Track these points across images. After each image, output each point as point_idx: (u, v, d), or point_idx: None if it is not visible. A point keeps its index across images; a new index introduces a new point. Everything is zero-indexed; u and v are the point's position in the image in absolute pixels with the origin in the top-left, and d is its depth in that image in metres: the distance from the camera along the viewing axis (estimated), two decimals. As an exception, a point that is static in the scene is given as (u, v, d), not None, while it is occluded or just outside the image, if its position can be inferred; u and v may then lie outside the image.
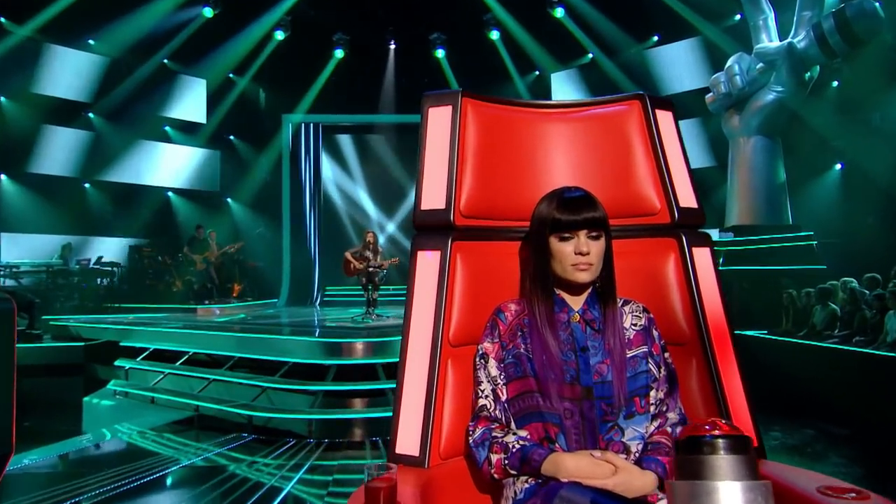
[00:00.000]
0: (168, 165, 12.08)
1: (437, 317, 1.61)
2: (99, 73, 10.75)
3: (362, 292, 8.28)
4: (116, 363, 6.88)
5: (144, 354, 6.87)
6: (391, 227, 13.13)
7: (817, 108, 8.54)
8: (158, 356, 6.76)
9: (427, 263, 1.67)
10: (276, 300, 12.18)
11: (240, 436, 5.09)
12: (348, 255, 8.02)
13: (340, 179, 13.56)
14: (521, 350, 1.52)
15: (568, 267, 1.50)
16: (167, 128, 12.14)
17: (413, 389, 1.59)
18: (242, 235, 12.37)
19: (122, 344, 7.11)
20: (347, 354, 5.69)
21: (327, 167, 13.61)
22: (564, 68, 12.26)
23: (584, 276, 1.49)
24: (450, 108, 1.72)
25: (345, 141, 13.75)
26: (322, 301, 12.82)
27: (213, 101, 12.28)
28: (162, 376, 6.39)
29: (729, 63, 9.25)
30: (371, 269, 7.88)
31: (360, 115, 13.08)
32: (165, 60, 11.59)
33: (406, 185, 13.30)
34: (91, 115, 11.00)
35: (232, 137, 12.94)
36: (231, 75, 12.40)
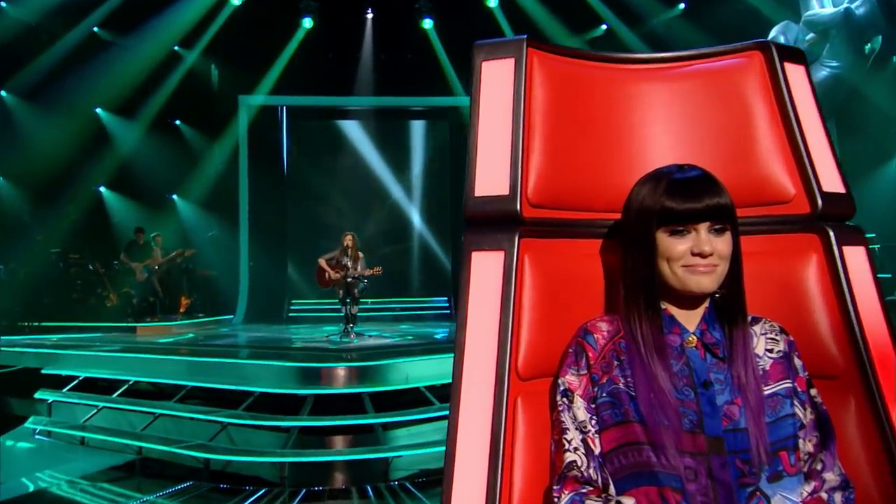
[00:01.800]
0: (100, 155, 11.88)
1: (501, 340, 1.43)
2: (12, 43, 10.47)
3: (339, 306, 8.30)
4: (37, 395, 6.78)
5: (72, 384, 6.76)
6: (370, 230, 12.97)
7: (879, 85, 8.47)
8: (90, 386, 6.67)
9: (486, 268, 1.48)
10: (231, 316, 12.21)
11: (194, 484, 5.01)
12: (322, 262, 8.06)
13: (309, 173, 13.54)
14: (620, 385, 1.35)
15: (680, 271, 1.33)
16: (99, 110, 12.05)
17: (472, 441, 1.40)
18: (192, 239, 12.31)
19: (43, 371, 7.01)
20: (327, 382, 5.66)
21: (293, 159, 13.63)
22: (576, 40, 12.16)
23: (705, 283, 1.32)
24: (511, 62, 1.54)
25: (314, 128, 13.80)
26: (287, 317, 12.78)
27: (155, 78, 12.07)
28: (95, 411, 6.30)
29: (773, 34, 9.16)
30: (350, 280, 7.90)
31: (333, 97, 13.12)
32: (96, 28, 11.37)
33: (387, 180, 13.43)
34: (2, 92, 10.90)
35: (178, 123, 12.89)
36: (177, 48, 12.22)
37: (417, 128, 13.79)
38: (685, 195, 1.32)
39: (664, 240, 1.34)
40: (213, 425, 5.52)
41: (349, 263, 7.86)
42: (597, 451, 1.33)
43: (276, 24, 12.18)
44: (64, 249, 11.24)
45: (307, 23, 12.32)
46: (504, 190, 1.49)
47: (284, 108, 13.44)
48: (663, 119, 1.60)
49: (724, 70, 1.59)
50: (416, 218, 13.63)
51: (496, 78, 1.55)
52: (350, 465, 5.06)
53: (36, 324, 9.68)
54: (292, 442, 5.16)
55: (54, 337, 8.74)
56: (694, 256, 1.31)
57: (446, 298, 13.25)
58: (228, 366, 6.11)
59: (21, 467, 5.53)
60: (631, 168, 1.53)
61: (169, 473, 5.25)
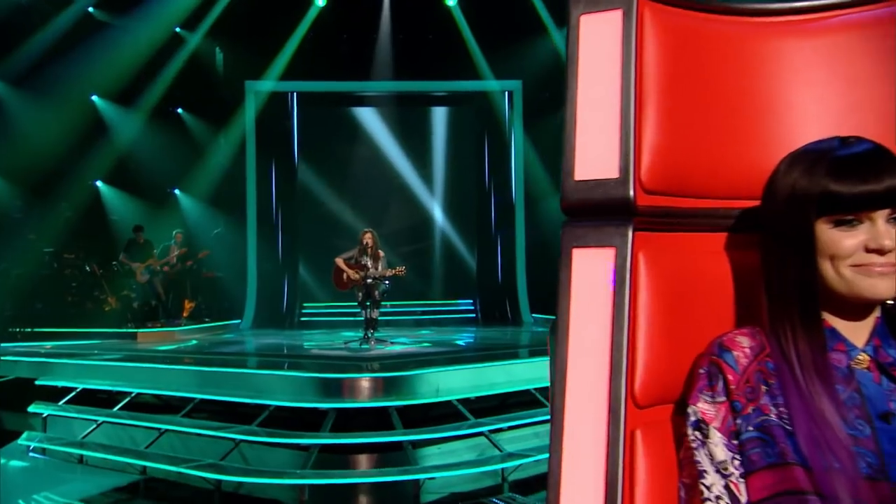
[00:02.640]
0: (97, 147, 11.91)
1: (615, 360, 1.25)
2: (0, 25, 10.49)
3: (357, 310, 8.35)
4: (31, 409, 6.78)
5: (69, 397, 6.74)
6: (389, 227, 12.93)
7: None
8: (89, 399, 6.67)
9: (592, 270, 1.30)
10: (238, 321, 12.28)
11: (204, 508, 5.02)
12: (340, 261, 8.04)
13: (322, 165, 13.54)
14: (771, 417, 1.16)
15: (849, 272, 1.14)
16: (95, 98, 12.07)
17: (582, 488, 1.22)
18: (196, 238, 12.41)
19: (38, 383, 7.06)
20: (349, 395, 5.63)
21: (305, 150, 13.60)
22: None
23: (882, 287, 1.13)
24: (618, 14, 1.35)
25: (328, 116, 13.75)
26: (299, 322, 12.87)
27: (155, 63, 12.11)
28: (94, 426, 6.28)
29: None
30: (370, 281, 7.86)
31: (347, 81, 13.08)
32: (91, 9, 11.40)
33: (407, 173, 13.41)
34: (-11, 78, 10.83)
35: (181, 111, 12.94)
36: (179, 30, 12.22)
37: (440, 115, 13.75)
38: (856, 175, 1.13)
39: (826, 233, 1.16)
40: (225, 442, 5.48)
41: (369, 263, 7.82)
42: (743, 500, 1.15)
43: (286, 3, 12.17)
44: (58, 249, 11.27)
45: (320, 1, 12.31)
46: (613, 172, 1.30)
47: (295, 94, 13.41)
48: (808, 83, 1.41)
49: (882, 20, 1.39)
50: (438, 213, 13.64)
51: (599, 34, 1.36)
52: (376, 487, 5.06)
53: (29, 330, 9.69)
54: (312, 462, 5.10)
55: (49, 344, 8.72)
56: (869, 253, 1.13)
57: (471, 301, 13.37)
58: (240, 376, 6.08)
59: (14, 489, 5.54)
60: (770, 144, 1.35)
61: (176, 495, 5.29)
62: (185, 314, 11.45)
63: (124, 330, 9.89)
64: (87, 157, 11.76)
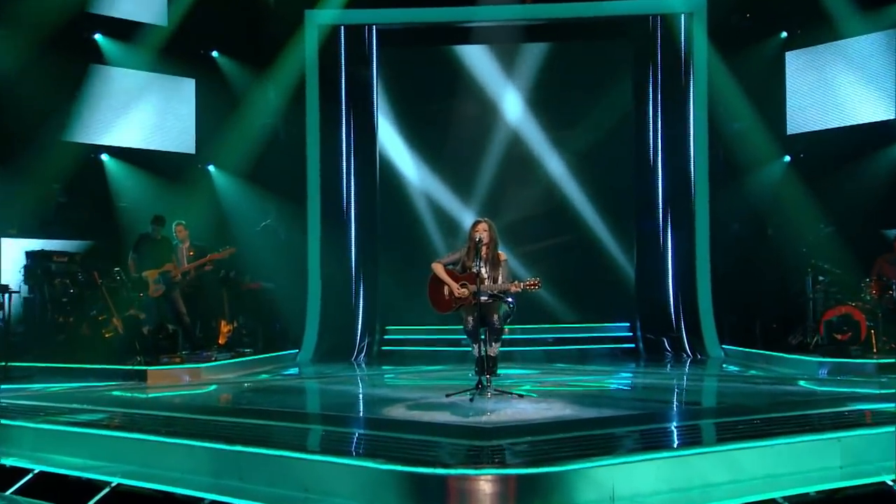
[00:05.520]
0: (100, 104, 11.86)
1: None
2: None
3: (464, 338, 8.06)
4: None
5: (21, 483, 6.04)
6: (508, 217, 12.51)
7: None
8: (51, 488, 5.95)
9: None
10: (295, 351, 12.30)
11: None
12: (440, 268, 7.74)
13: (412, 127, 13.34)
14: None
15: None
16: (98, 35, 11.94)
17: None
18: (234, 233, 12.40)
19: None
20: None
21: (389, 107, 13.43)
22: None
23: None
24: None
25: (419, 58, 13.56)
26: (379, 351, 12.83)
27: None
28: None
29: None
30: (485, 299, 7.49)
31: (446, 7, 12.77)
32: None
33: (534, 139, 13.02)
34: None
35: (215, 54, 12.94)
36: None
37: (581, 53, 13.24)
38: None
39: None
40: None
41: (484, 271, 7.44)
42: None
43: None
44: (44, 248, 11.26)
45: None
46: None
47: (374, 28, 13.17)
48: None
49: None
50: (578, 198, 13.05)
51: None
52: None
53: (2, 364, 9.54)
54: None
55: (24, 388, 8.67)
56: None
57: (628, 325, 12.89)
58: (281, 463, 5.32)
59: None
60: None
61: None
62: (221, 341, 11.38)
63: (128, 367, 9.51)
64: (86, 119, 11.70)
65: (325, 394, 9.21)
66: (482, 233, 7.48)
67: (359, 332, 12.68)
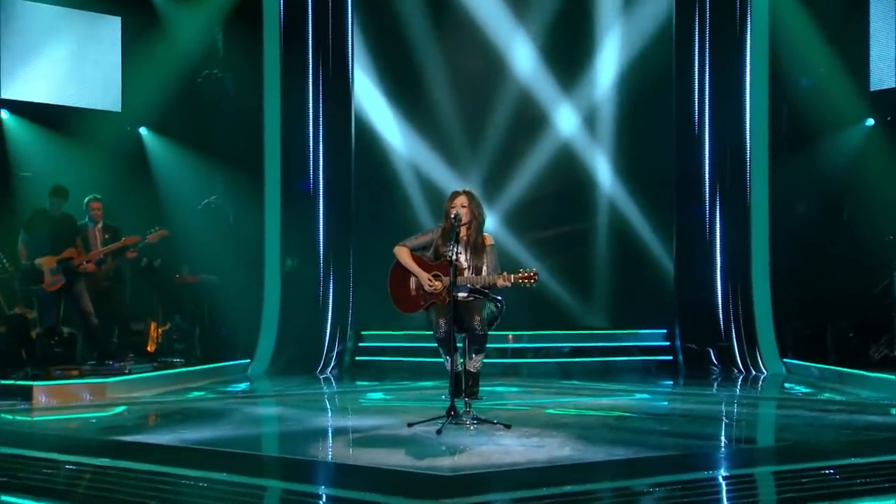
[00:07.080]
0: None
1: None
2: None
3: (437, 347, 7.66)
4: None
5: None
6: (512, 195, 12.80)
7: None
8: None
9: None
10: (245, 361, 12.19)
11: None
12: (404, 252, 7.38)
13: (399, 83, 13.33)
14: None
15: None
16: None
17: None
18: (167, 212, 12.46)
19: None
20: None
21: (367, 56, 13.43)
22: None
23: None
24: None
25: (403, 3, 13.36)
26: (354, 363, 12.84)
27: None
28: None
29: None
30: (463, 296, 7.14)
31: None
32: None
33: (546, 97, 13.00)
34: None
35: None
36: None
37: None
38: None
39: None
40: None
41: (462, 258, 7.09)
42: None
43: None
44: None
45: None
46: None
47: None
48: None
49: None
50: (603, 173, 13.07)
51: None
52: None
53: None
54: None
55: None
56: None
57: (664, 332, 12.75)
58: None
59: None
60: None
61: None
62: (148, 348, 11.25)
63: (12, 382, 9.09)
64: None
65: (249, 420, 8.30)
66: (460, 208, 7.02)
67: (327, 338, 12.60)
